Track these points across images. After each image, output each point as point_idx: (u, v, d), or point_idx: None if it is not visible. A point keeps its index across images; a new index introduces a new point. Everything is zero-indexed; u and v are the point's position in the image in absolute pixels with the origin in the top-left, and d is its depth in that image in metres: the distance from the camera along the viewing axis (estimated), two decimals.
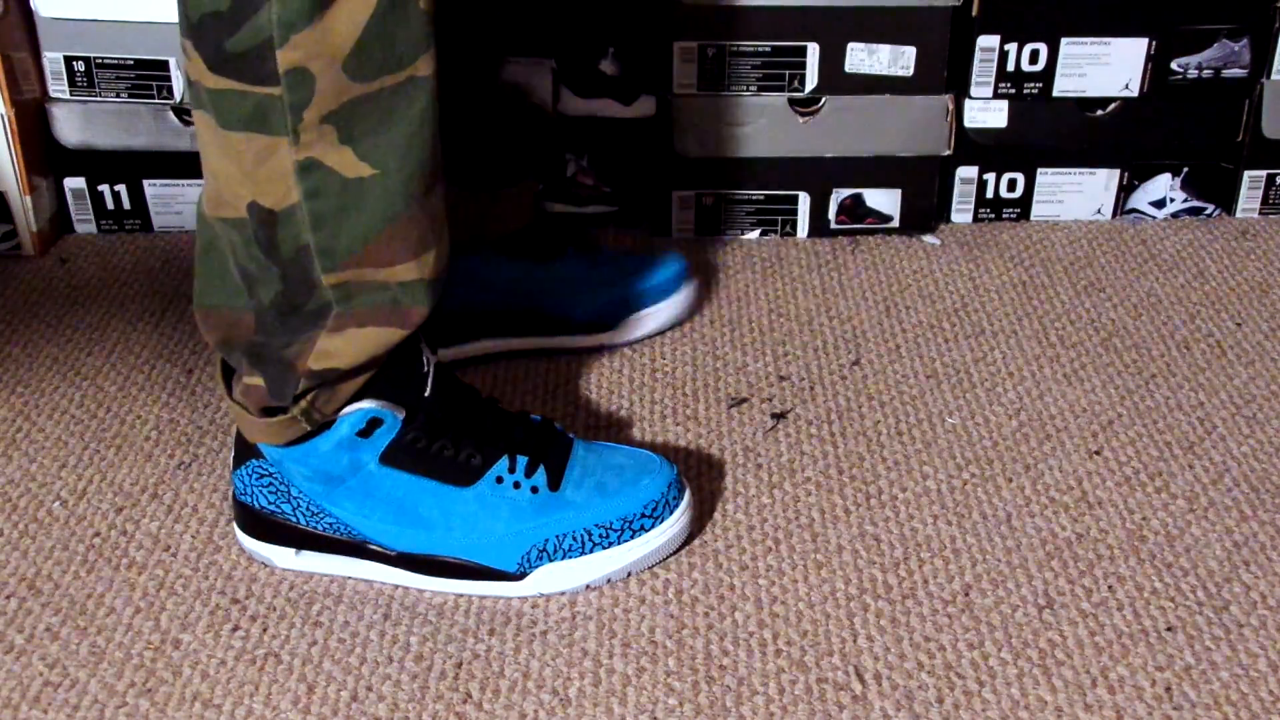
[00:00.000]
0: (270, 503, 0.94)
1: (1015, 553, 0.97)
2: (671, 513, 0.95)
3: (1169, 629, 0.91)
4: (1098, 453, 1.07)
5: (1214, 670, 0.88)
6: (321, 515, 0.93)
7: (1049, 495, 1.03)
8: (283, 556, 0.95)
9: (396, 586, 0.94)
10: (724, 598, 0.94)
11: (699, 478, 1.05)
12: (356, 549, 0.94)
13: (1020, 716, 0.85)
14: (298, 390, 0.88)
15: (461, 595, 0.94)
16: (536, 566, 0.93)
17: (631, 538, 0.94)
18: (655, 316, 1.21)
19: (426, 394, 0.92)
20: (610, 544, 0.94)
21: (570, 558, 0.93)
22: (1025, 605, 0.93)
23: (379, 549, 0.94)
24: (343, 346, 0.86)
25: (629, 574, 0.95)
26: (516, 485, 0.93)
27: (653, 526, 0.94)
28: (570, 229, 1.20)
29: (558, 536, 0.93)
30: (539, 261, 1.17)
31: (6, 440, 1.09)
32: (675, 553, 0.97)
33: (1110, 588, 0.94)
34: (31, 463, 1.07)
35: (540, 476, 0.94)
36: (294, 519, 0.94)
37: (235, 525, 0.97)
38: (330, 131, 0.80)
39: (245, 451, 0.94)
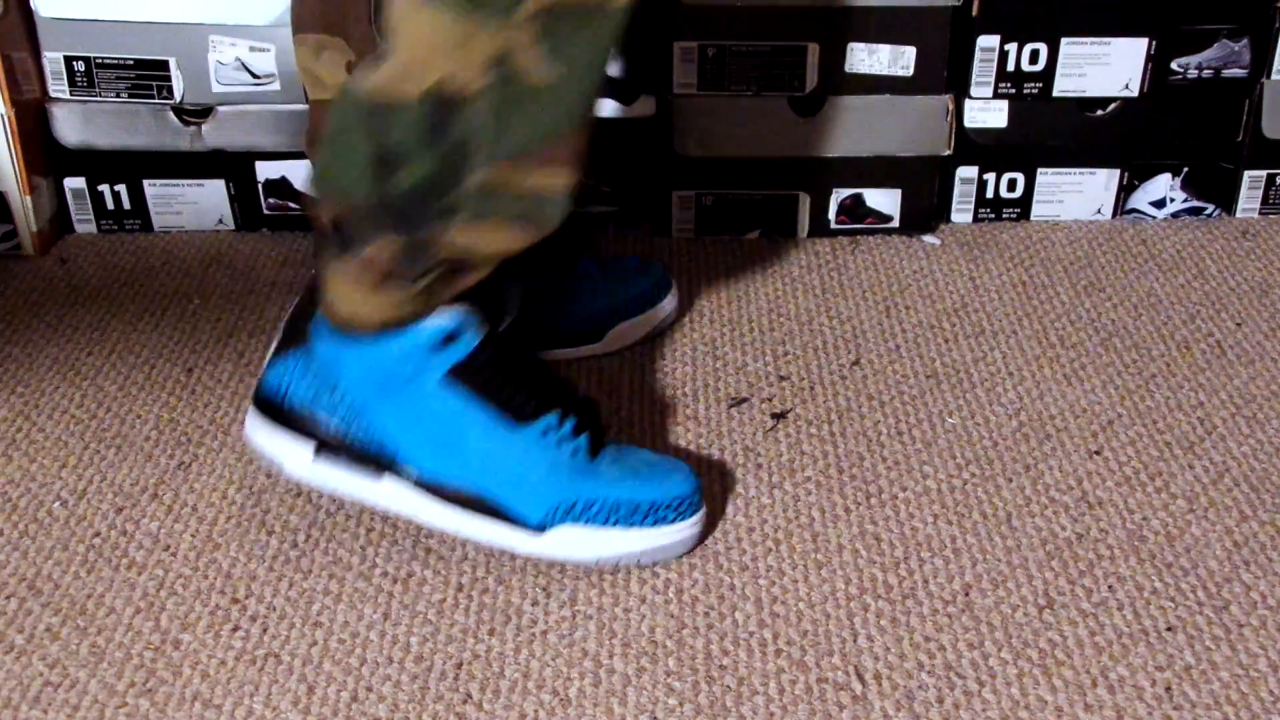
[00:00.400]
0: (307, 398, 0.93)
1: (1015, 553, 0.97)
2: (693, 514, 0.96)
3: (1169, 629, 0.91)
4: (1098, 453, 1.07)
5: (1214, 670, 0.88)
6: (358, 421, 0.93)
7: (1049, 495, 1.03)
8: (298, 458, 0.94)
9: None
10: (724, 597, 0.94)
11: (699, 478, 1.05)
12: (380, 466, 0.94)
13: (1020, 716, 0.85)
14: (428, 265, 0.88)
15: (471, 540, 0.94)
16: (559, 524, 0.93)
17: (653, 525, 0.94)
18: (640, 326, 1.21)
19: (502, 328, 0.93)
20: (633, 524, 0.94)
21: (593, 525, 0.94)
22: (1025, 605, 0.93)
23: (404, 470, 0.93)
24: (478, 240, 0.88)
25: (636, 563, 0.95)
26: (560, 442, 0.94)
27: (674, 520, 0.95)
28: (544, 243, 1.20)
29: (587, 501, 0.93)
30: (519, 281, 1.17)
31: (6, 440, 1.09)
32: (678, 558, 0.97)
33: (1110, 588, 0.94)
34: (31, 463, 1.07)
35: (583, 441, 0.95)
36: (327, 418, 0.93)
37: (252, 420, 0.96)
38: (537, 28, 0.81)
39: (294, 340, 0.93)
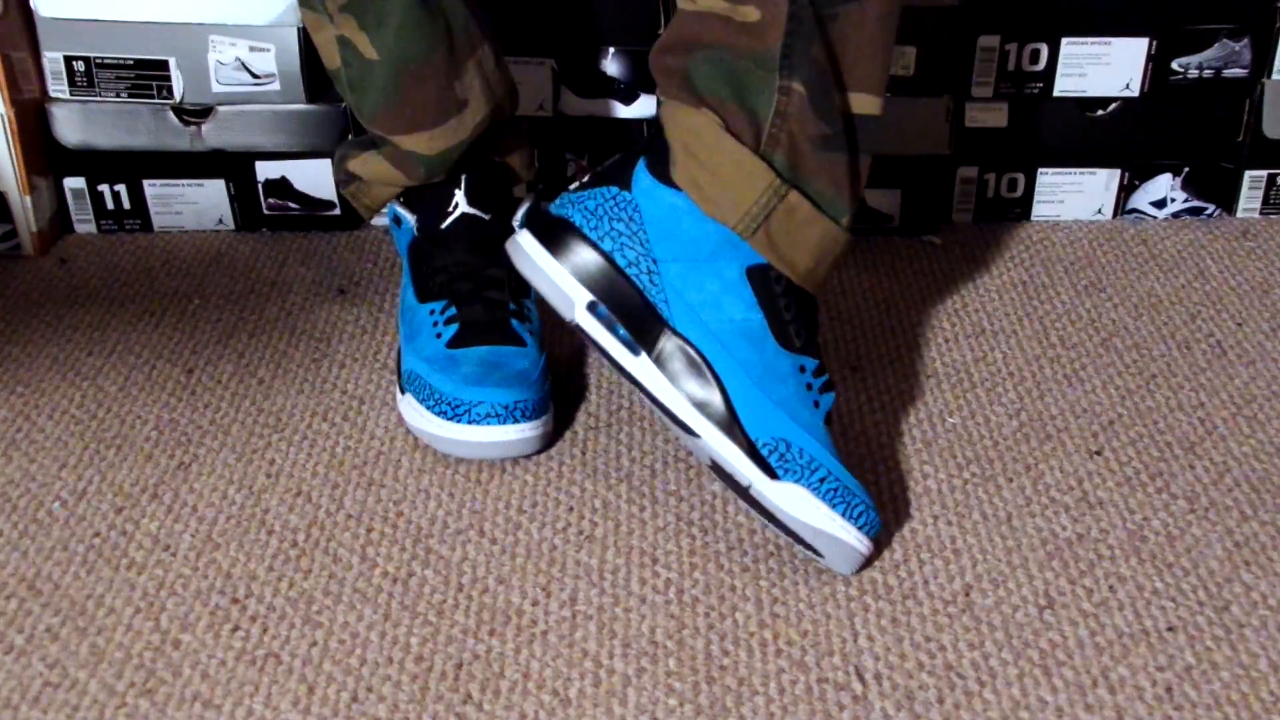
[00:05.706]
0: (612, 246, 0.94)
1: (1015, 553, 0.97)
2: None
3: (1170, 629, 0.91)
4: (1098, 453, 1.07)
5: (1215, 671, 0.88)
6: (652, 275, 0.94)
7: (1049, 495, 1.03)
8: (573, 299, 0.94)
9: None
10: (724, 598, 0.94)
11: (699, 478, 1.05)
12: (644, 332, 0.94)
13: (1021, 717, 0.85)
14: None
15: (702, 446, 0.95)
16: (771, 461, 0.94)
17: None
18: None
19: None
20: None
21: (815, 490, 0.94)
22: (1026, 605, 0.93)
23: (667, 338, 0.94)
24: None
25: None
26: (810, 388, 0.97)
27: None
28: None
29: (799, 449, 0.94)
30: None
31: (6, 440, 1.09)
32: None
33: (1111, 588, 0.94)
34: (31, 463, 1.07)
35: (829, 400, 0.99)
36: (621, 261, 0.94)
37: (528, 241, 0.96)
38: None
39: (611, 179, 0.95)
